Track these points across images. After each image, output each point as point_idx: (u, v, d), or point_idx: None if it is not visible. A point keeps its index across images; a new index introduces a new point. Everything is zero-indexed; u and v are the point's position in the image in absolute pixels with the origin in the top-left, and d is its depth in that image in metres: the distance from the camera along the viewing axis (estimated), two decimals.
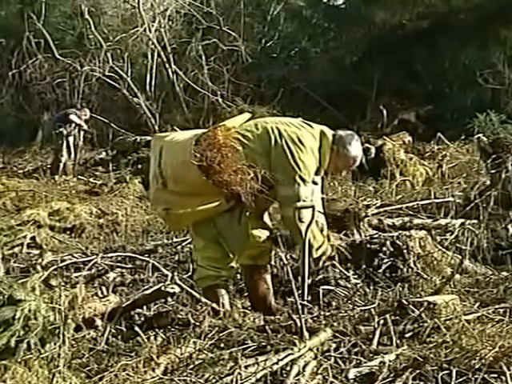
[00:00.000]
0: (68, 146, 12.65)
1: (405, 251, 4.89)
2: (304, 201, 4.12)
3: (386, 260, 4.86)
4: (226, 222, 4.21)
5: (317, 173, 4.24)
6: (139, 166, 11.38)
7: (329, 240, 4.38)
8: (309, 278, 4.26)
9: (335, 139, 4.26)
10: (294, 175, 4.11)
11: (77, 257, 5.87)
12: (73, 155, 12.76)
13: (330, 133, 4.28)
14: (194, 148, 4.03)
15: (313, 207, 4.09)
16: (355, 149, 4.32)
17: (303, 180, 4.12)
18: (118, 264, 5.53)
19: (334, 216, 5.05)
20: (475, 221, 5.72)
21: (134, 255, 5.63)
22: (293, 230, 4.24)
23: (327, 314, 4.10)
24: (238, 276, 4.92)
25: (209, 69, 15.45)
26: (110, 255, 5.74)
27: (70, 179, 11.72)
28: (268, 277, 4.43)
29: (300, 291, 4.08)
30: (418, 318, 3.77)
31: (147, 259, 5.37)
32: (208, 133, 4.14)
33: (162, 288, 4.08)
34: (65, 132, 12.43)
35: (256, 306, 4.35)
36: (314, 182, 4.27)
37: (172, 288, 4.05)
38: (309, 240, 4.15)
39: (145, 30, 15.36)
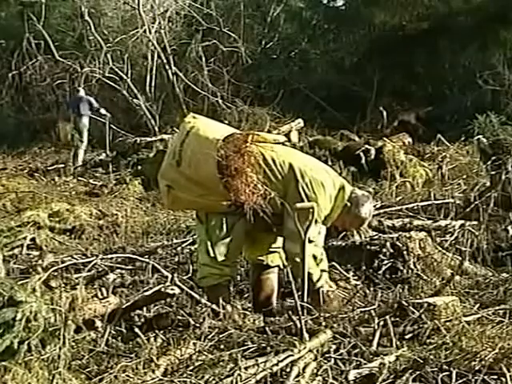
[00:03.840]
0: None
1: (405, 252, 4.89)
2: (310, 240, 4.13)
3: (385, 261, 4.87)
4: (217, 223, 4.23)
5: (324, 222, 4.25)
6: (139, 168, 11.37)
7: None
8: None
9: (351, 197, 4.27)
10: (308, 214, 4.11)
11: (77, 258, 5.86)
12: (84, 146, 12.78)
13: (348, 189, 4.31)
14: (221, 143, 4.08)
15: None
16: (366, 211, 4.32)
17: (315, 220, 4.13)
18: (118, 265, 5.53)
19: None
20: (475, 222, 5.72)
21: (133, 256, 5.62)
22: (294, 266, 4.23)
23: (327, 315, 4.10)
24: (238, 277, 4.93)
25: (209, 70, 15.44)
26: (109, 256, 5.73)
27: (70, 180, 11.69)
28: (275, 279, 4.44)
29: (300, 292, 4.08)
30: (417, 320, 3.77)
31: (147, 260, 5.37)
32: (239, 135, 4.21)
33: (162, 289, 4.08)
34: (87, 119, 12.53)
35: (257, 305, 4.35)
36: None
37: (172, 289, 4.05)
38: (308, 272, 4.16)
39: (145, 31, 15.34)
